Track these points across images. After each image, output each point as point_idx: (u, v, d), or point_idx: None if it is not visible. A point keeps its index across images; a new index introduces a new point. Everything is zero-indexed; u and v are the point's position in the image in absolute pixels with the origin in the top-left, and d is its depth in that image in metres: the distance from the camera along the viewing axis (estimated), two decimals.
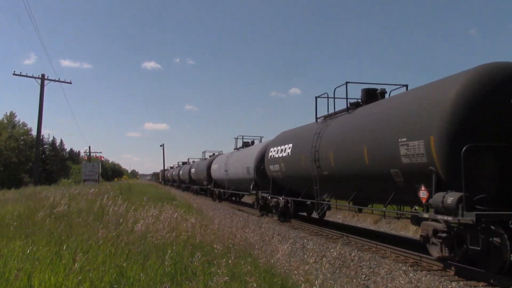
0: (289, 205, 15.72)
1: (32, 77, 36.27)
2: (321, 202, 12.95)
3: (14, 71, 35.65)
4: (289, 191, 15.95)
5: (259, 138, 25.80)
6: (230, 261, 5.60)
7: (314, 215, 16.41)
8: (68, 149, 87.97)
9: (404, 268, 8.33)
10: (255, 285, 4.75)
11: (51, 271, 5.09)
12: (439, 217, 7.50)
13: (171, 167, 73.75)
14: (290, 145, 14.96)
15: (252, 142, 25.76)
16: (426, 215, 8.05)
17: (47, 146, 73.11)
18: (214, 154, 36.99)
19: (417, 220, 8.69)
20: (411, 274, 7.80)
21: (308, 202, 14.45)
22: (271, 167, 16.76)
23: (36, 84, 36.56)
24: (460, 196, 7.00)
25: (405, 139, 8.38)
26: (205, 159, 37.57)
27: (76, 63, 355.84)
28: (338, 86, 12.62)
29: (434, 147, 7.59)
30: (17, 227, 8.63)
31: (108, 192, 16.76)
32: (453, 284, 7.26)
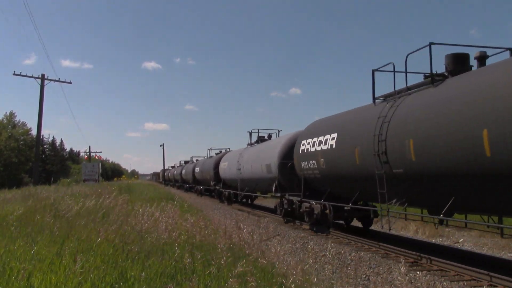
0: (327, 211, 12.35)
1: (32, 77, 36.35)
2: (392, 211, 9.27)
3: (14, 71, 35.73)
4: (329, 194, 12.46)
5: (277, 131, 21.84)
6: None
7: (354, 223, 14.23)
8: (68, 149, 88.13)
9: (404, 268, 8.33)
10: None
11: (52, 271, 5.10)
12: None
13: (172, 166, 69.85)
14: (334, 135, 11.43)
15: (269, 136, 21.82)
16: None
17: (47, 146, 73.13)
18: (221, 151, 33.13)
19: None
20: (411, 274, 7.81)
21: (368, 210, 11.50)
22: (303, 164, 13.32)
23: (37, 84, 36.63)
24: None
25: None
26: (211, 156, 33.95)
27: (76, 63, 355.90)
28: (411, 52, 9.19)
29: None
30: (17, 227, 8.64)
31: (109, 193, 16.74)
32: (453, 284, 7.27)
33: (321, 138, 12.20)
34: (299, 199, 13.98)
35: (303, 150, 13.35)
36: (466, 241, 12.71)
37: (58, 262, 5.51)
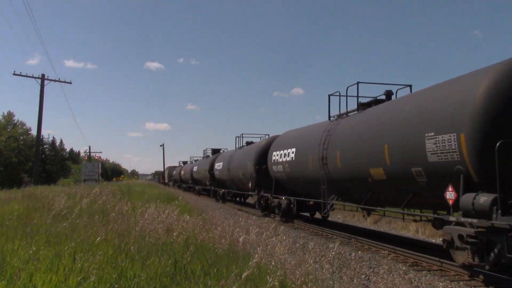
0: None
1: (32, 77, 36.36)
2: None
3: (14, 71, 35.72)
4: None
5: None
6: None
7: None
8: (68, 149, 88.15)
9: (404, 268, 8.33)
10: None
11: (51, 271, 5.10)
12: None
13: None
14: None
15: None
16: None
17: (47, 146, 73.15)
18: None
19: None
20: (411, 274, 7.80)
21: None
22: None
23: (38, 84, 36.61)
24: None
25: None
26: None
27: (80, 63, 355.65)
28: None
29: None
30: (17, 227, 8.64)
31: (110, 194, 16.70)
32: (453, 284, 7.27)
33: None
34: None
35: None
36: None
37: (58, 262, 5.50)
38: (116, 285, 4.79)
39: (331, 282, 5.66)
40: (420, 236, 13.78)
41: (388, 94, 11.39)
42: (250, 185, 19.69)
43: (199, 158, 42.82)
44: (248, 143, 24.01)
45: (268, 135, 22.01)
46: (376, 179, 9.65)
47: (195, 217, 10.94)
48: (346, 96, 12.63)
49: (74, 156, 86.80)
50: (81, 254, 5.82)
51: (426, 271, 8.08)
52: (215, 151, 34.33)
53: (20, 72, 35.65)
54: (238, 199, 27.59)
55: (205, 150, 36.69)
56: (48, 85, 37.42)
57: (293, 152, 14.73)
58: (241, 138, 24.86)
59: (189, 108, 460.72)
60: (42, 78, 36.49)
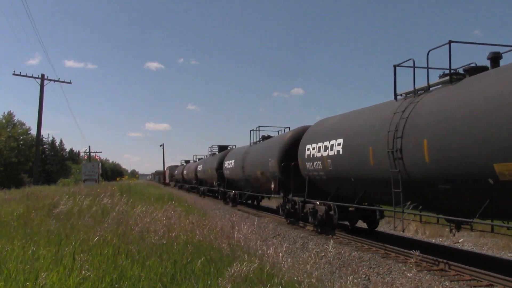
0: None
1: (31, 77, 36.37)
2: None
3: (14, 71, 35.73)
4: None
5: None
6: None
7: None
8: (68, 149, 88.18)
9: (404, 268, 8.33)
10: None
11: (52, 271, 5.09)
12: None
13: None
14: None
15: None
16: None
17: (46, 146, 73.16)
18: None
19: None
20: (411, 274, 7.80)
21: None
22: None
23: (38, 84, 36.60)
24: None
25: None
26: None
27: (80, 64, 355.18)
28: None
29: None
30: (17, 227, 8.64)
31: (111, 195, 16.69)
32: (453, 284, 7.27)
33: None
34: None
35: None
36: (466, 241, 12.70)
37: (58, 262, 5.51)
38: (116, 285, 4.79)
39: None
40: (420, 237, 13.78)
41: (496, 58, 8.07)
42: (272, 186, 16.63)
43: (203, 157, 39.72)
44: (264, 138, 20.91)
45: (289, 128, 18.99)
46: (504, 180, 6.53)
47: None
48: (428, 67, 8.99)
49: (74, 156, 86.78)
50: (81, 254, 5.81)
51: (426, 271, 8.08)
52: (223, 148, 31.45)
53: (20, 72, 35.70)
54: (250, 201, 24.35)
55: (210, 147, 33.64)
56: (48, 85, 37.49)
57: (339, 144, 11.34)
58: (256, 132, 21.43)
59: (189, 108, 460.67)
60: (42, 78, 36.50)
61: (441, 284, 7.25)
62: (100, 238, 7.09)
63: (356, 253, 9.86)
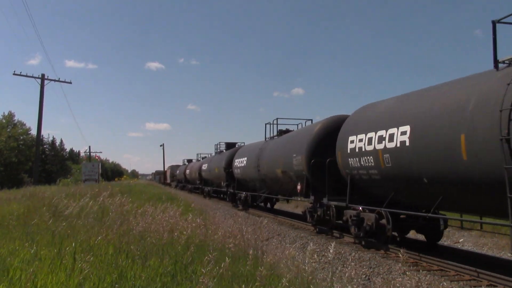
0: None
1: (32, 77, 36.32)
2: None
3: (14, 71, 35.71)
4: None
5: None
6: None
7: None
8: (68, 149, 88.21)
9: (404, 268, 8.34)
10: None
11: (52, 271, 5.10)
12: None
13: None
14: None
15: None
16: None
17: (47, 146, 73.17)
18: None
19: None
20: (411, 274, 7.80)
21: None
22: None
23: (39, 84, 36.59)
24: None
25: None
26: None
27: (81, 64, 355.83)
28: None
29: None
30: (17, 227, 8.65)
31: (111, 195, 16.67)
32: (453, 284, 7.28)
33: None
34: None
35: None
36: (466, 241, 12.71)
37: (58, 262, 5.51)
38: (116, 285, 4.80)
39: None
40: (420, 237, 13.76)
41: None
42: (298, 187, 14.11)
43: (207, 155, 37.73)
44: (282, 132, 18.23)
45: (311, 120, 16.83)
46: None
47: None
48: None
49: (74, 156, 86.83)
50: (82, 254, 5.82)
51: (426, 271, 8.08)
52: (230, 145, 29.18)
53: (20, 72, 35.65)
54: (262, 204, 22.23)
55: (217, 145, 31.10)
56: (48, 85, 37.48)
57: (403, 133, 8.69)
58: (273, 126, 18.88)
59: (189, 108, 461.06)
60: (42, 78, 36.48)
61: (441, 284, 7.26)
62: (100, 238, 7.10)
63: (356, 253, 9.86)
